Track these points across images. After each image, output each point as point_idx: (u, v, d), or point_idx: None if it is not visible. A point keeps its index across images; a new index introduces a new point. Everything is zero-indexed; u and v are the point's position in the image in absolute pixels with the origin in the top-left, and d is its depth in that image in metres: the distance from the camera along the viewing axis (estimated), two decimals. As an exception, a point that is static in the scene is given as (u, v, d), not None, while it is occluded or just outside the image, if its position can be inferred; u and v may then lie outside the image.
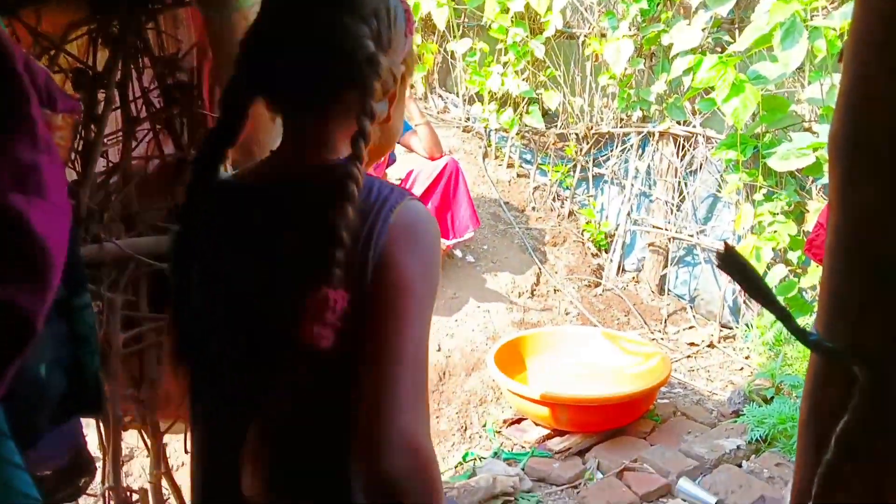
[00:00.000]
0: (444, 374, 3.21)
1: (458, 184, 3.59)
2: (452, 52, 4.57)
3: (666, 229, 3.97)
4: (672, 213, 3.99)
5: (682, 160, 3.96)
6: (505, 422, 2.97)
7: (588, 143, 4.25)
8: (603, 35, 3.99)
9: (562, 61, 4.17)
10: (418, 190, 3.55)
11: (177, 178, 1.50)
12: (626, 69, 3.86)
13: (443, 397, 3.12)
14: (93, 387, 1.12)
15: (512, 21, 4.12)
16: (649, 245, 4.04)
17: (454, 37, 4.44)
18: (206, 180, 0.92)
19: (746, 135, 3.32)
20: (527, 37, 4.13)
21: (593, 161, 4.30)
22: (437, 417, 3.03)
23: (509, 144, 4.47)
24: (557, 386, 2.90)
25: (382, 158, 3.57)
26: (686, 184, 3.94)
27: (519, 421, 2.95)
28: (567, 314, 3.69)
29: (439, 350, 3.28)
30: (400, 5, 0.89)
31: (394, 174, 4.21)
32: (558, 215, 4.27)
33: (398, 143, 3.71)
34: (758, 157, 3.34)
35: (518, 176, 4.48)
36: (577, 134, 4.27)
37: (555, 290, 3.81)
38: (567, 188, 4.38)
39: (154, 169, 1.52)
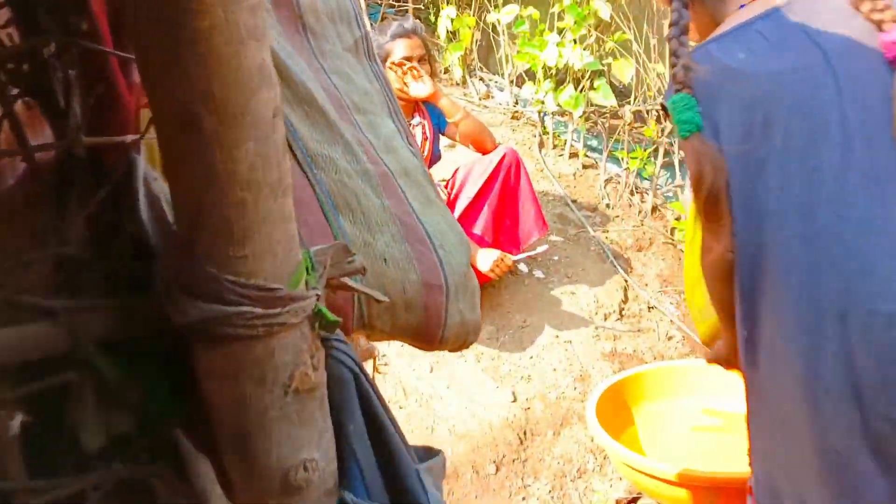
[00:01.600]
0: (524, 433, 2.41)
1: (521, 178, 2.80)
2: (494, 24, 3.78)
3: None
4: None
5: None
6: (618, 502, 2.16)
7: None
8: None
9: (633, 23, 3.35)
10: (470, 191, 2.77)
11: (63, 191, 0.71)
12: (723, 22, 3.04)
13: (526, 467, 2.33)
14: None
15: (568, -23, 3.32)
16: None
17: (495, 7, 3.66)
18: None
19: None
20: (589, -6, 3.33)
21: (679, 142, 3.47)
22: (524, 498, 2.23)
23: (571, 129, 3.67)
24: (689, 452, 2.09)
25: (424, 154, 2.79)
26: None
27: (636, 500, 2.15)
28: (670, 339, 2.87)
29: (514, 401, 2.48)
30: None
31: (438, 174, 3.44)
32: (640, 212, 3.45)
33: (443, 134, 2.93)
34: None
35: (584, 167, 3.67)
36: (657, 111, 3.44)
37: (648, 308, 2.99)
38: (647, 178, 3.56)
39: (16, 179, 0.73)
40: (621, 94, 3.74)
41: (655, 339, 2.85)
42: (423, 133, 2.78)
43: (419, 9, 4.11)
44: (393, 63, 2.63)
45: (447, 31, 3.83)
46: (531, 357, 2.66)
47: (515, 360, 2.63)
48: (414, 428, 2.32)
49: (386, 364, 2.49)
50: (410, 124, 2.76)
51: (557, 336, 2.74)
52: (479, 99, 4.03)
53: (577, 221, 3.35)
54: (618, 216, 3.43)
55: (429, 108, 2.84)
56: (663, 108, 1.21)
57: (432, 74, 2.78)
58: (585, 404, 2.29)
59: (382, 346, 2.55)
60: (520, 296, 2.90)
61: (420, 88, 2.66)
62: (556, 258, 3.12)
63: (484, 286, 2.76)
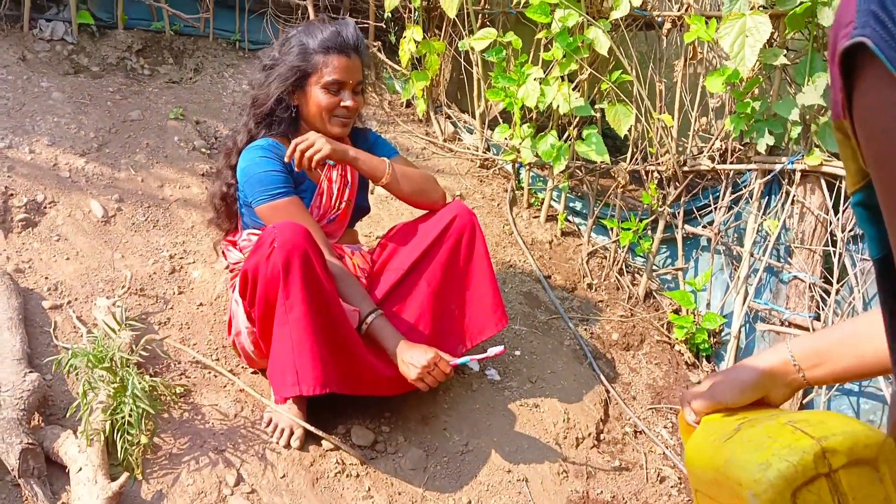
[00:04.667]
0: None
1: (475, 250, 2.05)
2: (468, 51, 3.10)
3: (811, 329, 2.42)
4: (821, 301, 2.44)
5: (838, 216, 2.43)
6: None
7: (677, 185, 2.73)
8: (707, 17, 2.50)
9: (636, 62, 2.67)
10: (404, 261, 2.03)
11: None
12: (755, 68, 2.36)
13: None
14: None
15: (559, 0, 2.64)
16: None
17: (470, 30, 2.98)
18: None
19: None
20: (583, 22, 2.65)
21: (685, 214, 2.76)
22: None
23: (551, 187, 2.95)
24: None
25: (338, 211, 2.04)
26: (845, 254, 2.41)
27: None
28: (662, 480, 2.11)
29: (434, 578, 1.70)
30: None
31: (370, 229, 2.70)
32: (629, 298, 2.72)
33: (376, 182, 2.18)
34: None
35: (564, 234, 2.95)
36: (659, 172, 2.75)
37: (635, 432, 2.24)
38: (642, 255, 2.84)
39: None
40: (616, 148, 3.05)
41: (642, 479, 2.09)
42: (342, 176, 2.03)
43: (380, 27, 3.42)
44: (321, 86, 1.91)
45: (410, 56, 3.14)
46: (469, 502, 1.88)
47: (444, 507, 1.85)
48: None
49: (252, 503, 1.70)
50: (325, 164, 2.02)
51: (509, 471, 1.97)
52: (444, 140, 3.31)
53: (550, 305, 2.60)
54: (602, 301, 2.70)
55: (357, 144, 2.11)
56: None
57: (358, 107, 2.03)
58: None
59: (252, 469, 1.76)
60: (462, 405, 2.14)
61: (342, 128, 1.95)
62: (517, 353, 2.36)
63: (413, 392, 1.99)
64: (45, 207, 2.36)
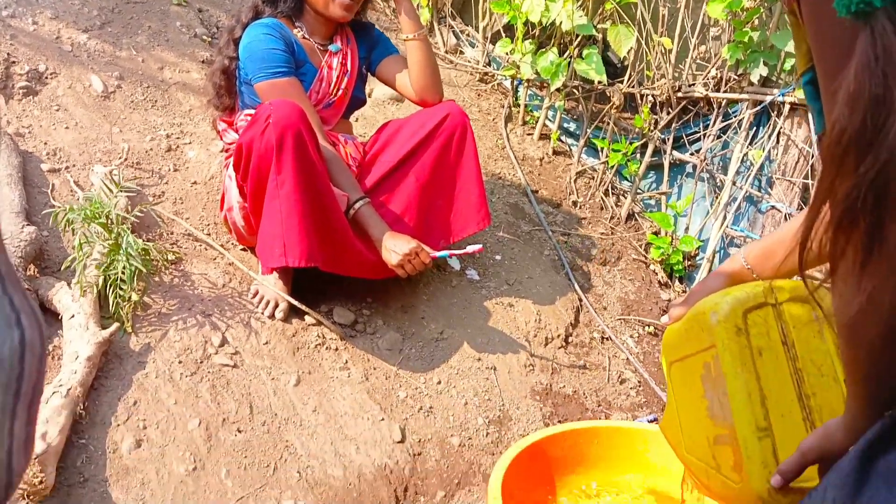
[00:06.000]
0: (404, 489, 1.76)
1: (465, 150, 2.11)
2: (475, -38, 3.08)
3: (782, 257, 2.51)
4: (795, 232, 2.53)
5: (820, 150, 2.49)
6: None
7: (670, 111, 2.78)
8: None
9: (642, -17, 2.68)
10: (394, 154, 2.09)
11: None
12: (755, -8, 2.38)
13: (395, 542, 1.67)
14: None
15: (572, -88, 2.62)
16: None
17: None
18: None
19: None
20: (593, -63, 2.64)
21: (674, 140, 2.82)
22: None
23: (546, 105, 2.99)
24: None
25: (335, 97, 2.09)
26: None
27: None
28: (622, 382, 2.23)
29: (402, 441, 1.82)
30: None
31: (365, 129, 2.75)
32: (612, 218, 2.80)
33: (373, 74, 2.23)
34: None
35: (556, 153, 3.01)
36: (653, 96, 2.79)
37: (602, 338, 2.35)
38: (628, 178, 2.91)
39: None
40: (613, 69, 3.08)
41: (604, 379, 2.21)
42: (342, 65, 2.07)
43: (389, -69, 3.39)
44: None
45: (418, -37, 3.12)
46: (438, 382, 1.99)
47: (417, 384, 1.97)
48: (247, 462, 1.65)
49: (235, 363, 1.81)
50: (326, 49, 2.06)
51: (479, 359, 2.09)
52: (445, 52, 3.33)
53: (534, 217, 2.68)
54: (585, 218, 2.78)
55: (360, 36, 2.15)
56: None
57: (365, 4, 2.08)
58: (494, 464, 1.65)
59: (236, 334, 1.86)
60: (441, 298, 2.24)
61: (344, 10, 1.97)
62: (498, 258, 2.45)
63: (394, 280, 2.09)
64: (47, 78, 2.39)
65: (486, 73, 3.23)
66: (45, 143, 2.19)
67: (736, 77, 2.66)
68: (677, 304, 1.13)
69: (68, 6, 2.64)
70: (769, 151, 2.57)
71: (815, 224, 0.57)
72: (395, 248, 1.89)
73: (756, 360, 0.95)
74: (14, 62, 2.36)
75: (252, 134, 1.78)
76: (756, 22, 2.55)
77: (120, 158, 2.20)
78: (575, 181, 2.89)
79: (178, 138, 2.40)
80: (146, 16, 2.78)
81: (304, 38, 2.03)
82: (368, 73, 2.20)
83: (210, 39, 2.83)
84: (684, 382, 1.06)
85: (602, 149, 2.86)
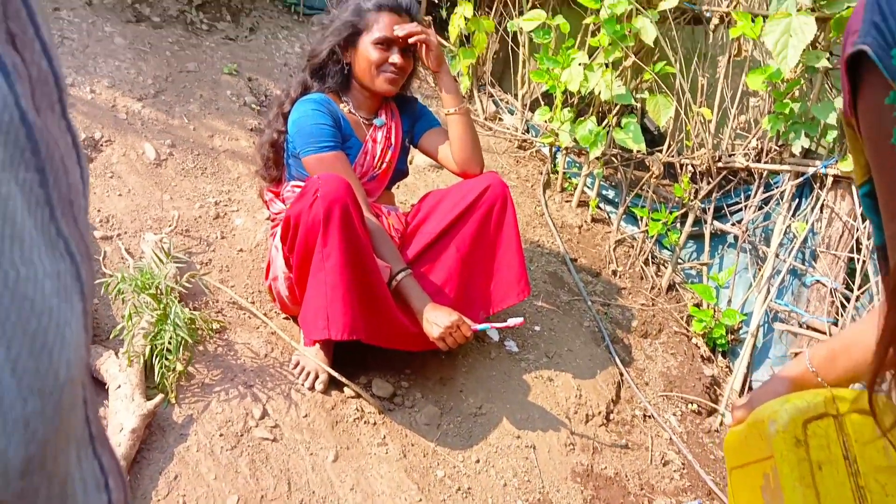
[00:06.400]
0: (441, 574, 1.72)
1: (506, 220, 2.13)
2: (515, 32, 3.15)
3: (828, 333, 2.45)
4: (841, 307, 2.48)
5: (866, 223, 2.45)
6: None
7: (710, 181, 2.77)
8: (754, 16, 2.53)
9: (681, 55, 2.71)
10: (436, 226, 2.11)
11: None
12: (797, 68, 2.39)
13: None
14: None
15: (612, -13, 2.68)
16: (795, 355, 2.52)
17: (520, 11, 3.03)
18: None
19: None
20: (632, 10, 2.69)
21: (715, 210, 2.80)
22: None
23: (585, 173, 3.01)
24: None
25: (379, 170, 2.13)
26: (869, 262, 2.43)
27: None
28: (665, 464, 2.17)
29: (439, 523, 1.79)
30: None
31: (405, 197, 2.78)
32: (653, 288, 2.78)
33: (415, 146, 2.27)
34: None
35: (594, 221, 3.01)
36: (693, 166, 2.79)
37: (644, 416, 2.30)
38: (669, 247, 2.89)
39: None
40: (651, 142, 3.09)
41: (646, 460, 2.15)
42: (387, 138, 2.12)
43: (432, 2, 3.49)
44: (372, 42, 1.99)
45: (459, 33, 3.20)
46: (477, 461, 1.96)
47: (455, 462, 1.94)
48: (286, 544, 1.63)
49: (274, 437, 1.81)
50: (371, 123, 2.11)
51: (519, 437, 2.05)
52: (485, 118, 3.38)
53: (573, 286, 2.67)
54: (625, 288, 2.75)
55: (403, 110, 2.20)
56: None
57: (412, 74, 2.14)
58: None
59: (277, 406, 1.86)
60: (480, 371, 2.22)
61: (389, 84, 2.02)
62: (537, 328, 2.44)
63: (433, 351, 2.08)
64: (102, 145, 2.48)
65: (524, 140, 3.27)
66: (99, 210, 2.25)
67: (777, 148, 2.65)
68: (739, 407, 1.11)
69: (125, 75, 2.75)
70: (812, 224, 2.53)
71: (884, 361, 0.56)
72: (437, 321, 1.89)
73: (815, 474, 0.92)
74: (72, 130, 2.45)
75: (300, 207, 1.82)
76: (796, 93, 2.55)
77: (170, 226, 2.26)
78: (614, 249, 2.88)
79: (225, 205, 2.45)
80: (198, 84, 2.88)
81: (350, 112, 2.09)
82: (411, 146, 2.25)
83: (258, 108, 2.92)
84: (744, 490, 1.02)
85: (642, 217, 2.86)
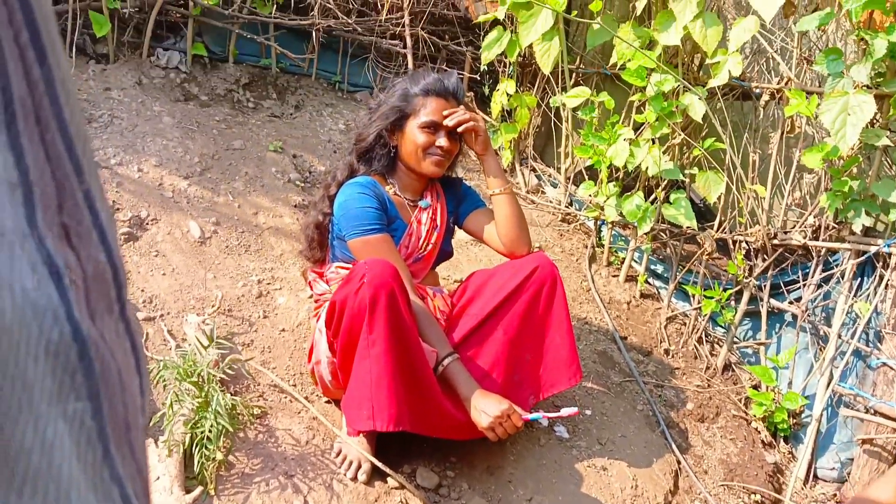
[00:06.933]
0: None
1: (555, 302, 2.05)
2: (559, 107, 3.15)
3: (901, 419, 2.30)
4: (914, 392, 2.32)
5: (936, 305, 2.33)
6: None
7: (765, 258, 2.67)
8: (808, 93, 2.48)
9: (731, 130, 2.66)
10: (483, 307, 2.04)
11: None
12: (855, 147, 2.31)
13: None
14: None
15: (658, 64, 2.66)
16: (863, 442, 2.36)
17: (563, 87, 3.03)
18: None
19: None
20: (680, 88, 2.66)
21: (771, 288, 2.69)
22: None
23: (633, 247, 2.94)
24: None
25: (424, 252, 2.09)
26: (943, 346, 2.29)
27: None
28: (730, 564, 2.01)
29: None
30: None
31: (448, 272, 2.73)
32: (707, 368, 2.65)
33: (460, 227, 2.23)
34: None
35: (643, 296, 2.92)
36: (747, 243, 2.70)
37: (705, 509, 2.15)
38: (723, 326, 2.77)
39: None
40: (699, 214, 3.02)
41: (710, 559, 2.00)
42: (432, 220, 2.08)
43: (474, 78, 3.52)
44: (419, 126, 1.99)
45: (502, 108, 3.21)
46: (528, 560, 1.84)
47: (505, 561, 1.82)
48: None
49: (317, 536, 1.71)
50: (417, 205, 2.08)
51: (571, 532, 1.93)
52: (527, 192, 3.35)
53: (624, 367, 2.56)
54: (678, 368, 2.64)
55: (448, 191, 2.17)
56: None
57: (459, 155, 2.13)
58: None
59: (318, 497, 1.78)
60: (529, 459, 2.11)
61: (436, 167, 2.01)
62: (588, 412, 2.33)
63: (479, 439, 1.99)
64: (147, 224, 2.49)
65: (567, 213, 3.22)
66: (143, 291, 2.24)
67: (835, 225, 2.55)
68: None
69: (171, 154, 2.80)
70: (876, 304, 2.41)
71: None
72: (486, 410, 1.81)
73: None
74: (118, 209, 2.48)
75: (346, 292, 1.77)
76: (854, 170, 2.47)
77: (213, 307, 2.24)
78: (665, 327, 2.77)
79: (268, 283, 2.43)
80: (244, 161, 2.91)
81: (395, 194, 2.07)
82: (456, 226, 2.21)
83: (303, 184, 2.93)
84: None
85: (694, 295, 2.76)
